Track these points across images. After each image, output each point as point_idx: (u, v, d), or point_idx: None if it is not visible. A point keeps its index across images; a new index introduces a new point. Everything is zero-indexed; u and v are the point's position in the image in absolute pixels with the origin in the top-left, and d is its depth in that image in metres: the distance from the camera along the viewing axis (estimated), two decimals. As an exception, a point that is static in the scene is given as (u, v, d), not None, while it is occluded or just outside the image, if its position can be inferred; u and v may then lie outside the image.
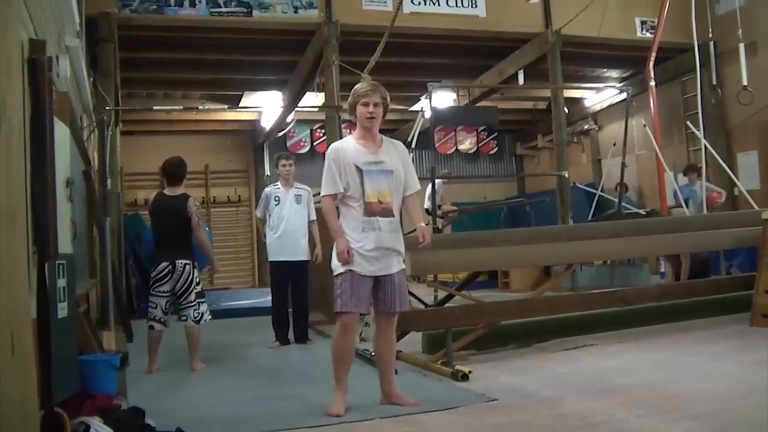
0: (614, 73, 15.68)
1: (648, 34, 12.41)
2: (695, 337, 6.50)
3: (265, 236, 7.85)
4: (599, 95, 16.52)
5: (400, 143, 4.80)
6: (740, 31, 10.46)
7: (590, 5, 11.05)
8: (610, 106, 16.29)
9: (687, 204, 10.43)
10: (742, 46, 10.47)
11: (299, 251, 7.61)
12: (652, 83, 11.41)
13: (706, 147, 10.88)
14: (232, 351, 7.36)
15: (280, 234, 7.59)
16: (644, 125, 11.96)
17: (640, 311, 7.26)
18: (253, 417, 4.48)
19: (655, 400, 4.25)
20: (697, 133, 11.08)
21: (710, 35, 11.70)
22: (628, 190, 13.52)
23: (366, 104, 4.52)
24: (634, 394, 4.45)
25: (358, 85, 4.65)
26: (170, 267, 6.30)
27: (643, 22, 12.77)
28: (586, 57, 12.86)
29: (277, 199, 7.69)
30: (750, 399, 4.15)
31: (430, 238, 4.63)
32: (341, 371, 4.49)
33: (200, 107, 15.67)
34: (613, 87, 15.07)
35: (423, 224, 4.63)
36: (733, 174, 11.27)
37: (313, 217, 7.71)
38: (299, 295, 7.72)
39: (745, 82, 10.44)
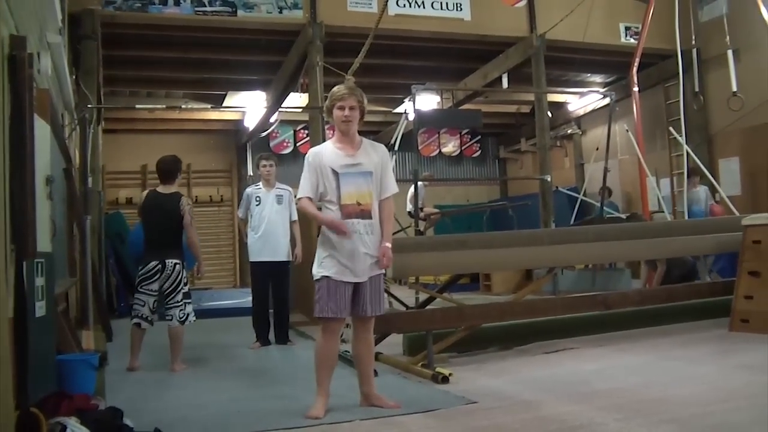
0: (598, 78, 15.74)
1: (632, 40, 12.47)
2: (675, 341, 6.54)
3: (246, 236, 7.83)
4: (583, 100, 16.58)
5: (381, 145, 4.77)
6: (728, 38, 10.54)
7: (575, 10, 11.10)
8: (593, 111, 16.35)
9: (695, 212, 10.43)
10: (730, 52, 10.58)
11: (280, 251, 7.58)
12: (636, 89, 11.47)
13: (688, 153, 10.95)
14: (213, 351, 7.32)
15: (261, 234, 7.57)
16: (627, 130, 12.03)
17: (620, 315, 7.28)
18: (232, 418, 4.46)
19: (634, 403, 4.26)
20: (680, 138, 11.15)
21: (693, 42, 11.79)
22: (612, 194, 13.58)
23: (342, 107, 4.50)
24: (613, 397, 4.46)
25: (334, 89, 4.63)
26: (160, 266, 6.27)
27: (627, 28, 12.83)
28: (570, 62, 12.93)
29: (258, 199, 7.66)
30: (729, 403, 4.18)
31: (390, 261, 4.56)
32: (323, 375, 4.48)
33: (183, 106, 15.61)
34: (597, 92, 15.14)
35: (389, 244, 4.56)
36: (715, 180, 11.35)
37: (295, 217, 7.69)
38: (280, 296, 7.70)
39: (735, 88, 10.51)
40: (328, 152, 4.55)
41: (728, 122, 12.05)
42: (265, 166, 7.78)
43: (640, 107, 11.64)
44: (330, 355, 4.52)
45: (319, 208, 4.57)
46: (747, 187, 12.19)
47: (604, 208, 11.10)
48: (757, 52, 11.43)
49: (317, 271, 4.46)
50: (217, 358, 6.96)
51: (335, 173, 4.45)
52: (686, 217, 10.74)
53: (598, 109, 15.90)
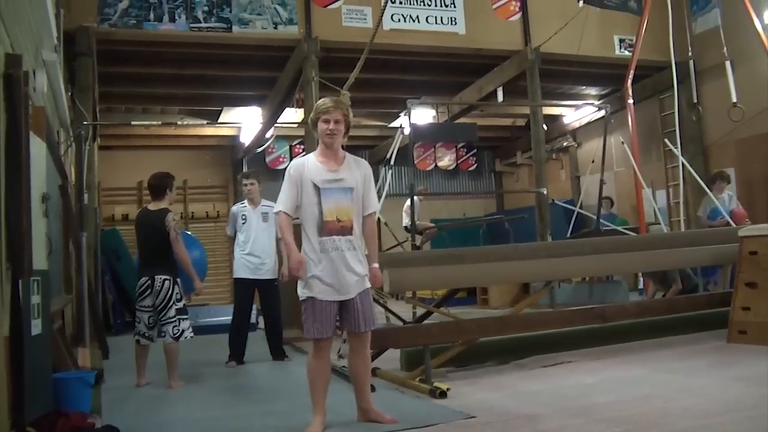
0: (593, 91, 15.79)
1: (626, 52, 12.51)
2: (673, 353, 6.52)
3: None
4: (578, 112, 16.61)
5: (363, 161, 4.74)
6: (725, 48, 10.57)
7: (569, 23, 11.15)
8: (588, 124, 16.37)
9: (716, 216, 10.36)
10: (728, 63, 10.58)
11: (265, 269, 7.57)
12: (630, 101, 11.48)
13: (683, 164, 10.96)
14: (209, 368, 7.30)
15: (247, 252, 7.57)
16: (622, 142, 12.02)
17: (618, 328, 7.27)
18: (229, 435, 4.45)
19: (633, 417, 4.25)
20: (675, 150, 11.16)
21: (689, 53, 11.83)
22: (613, 205, 13.63)
23: (327, 121, 4.46)
24: (611, 411, 4.44)
25: (319, 101, 4.62)
26: (149, 282, 6.29)
27: (621, 40, 12.89)
28: (564, 74, 12.94)
29: (243, 217, 7.66)
30: (727, 416, 4.17)
31: (381, 282, 4.65)
32: (318, 393, 4.44)
33: (179, 122, 15.62)
34: (592, 104, 15.17)
35: (377, 265, 4.59)
36: (710, 191, 11.35)
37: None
38: (270, 313, 7.70)
39: (734, 99, 10.52)
40: (310, 165, 4.51)
41: (723, 133, 12.08)
42: (245, 185, 7.76)
43: (635, 119, 11.64)
44: (322, 373, 4.48)
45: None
46: (743, 198, 12.15)
47: (602, 220, 11.08)
48: (750, 63, 11.48)
49: (302, 292, 4.43)
50: (214, 375, 6.94)
51: (316, 188, 4.41)
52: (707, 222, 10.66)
53: (593, 121, 15.91)
